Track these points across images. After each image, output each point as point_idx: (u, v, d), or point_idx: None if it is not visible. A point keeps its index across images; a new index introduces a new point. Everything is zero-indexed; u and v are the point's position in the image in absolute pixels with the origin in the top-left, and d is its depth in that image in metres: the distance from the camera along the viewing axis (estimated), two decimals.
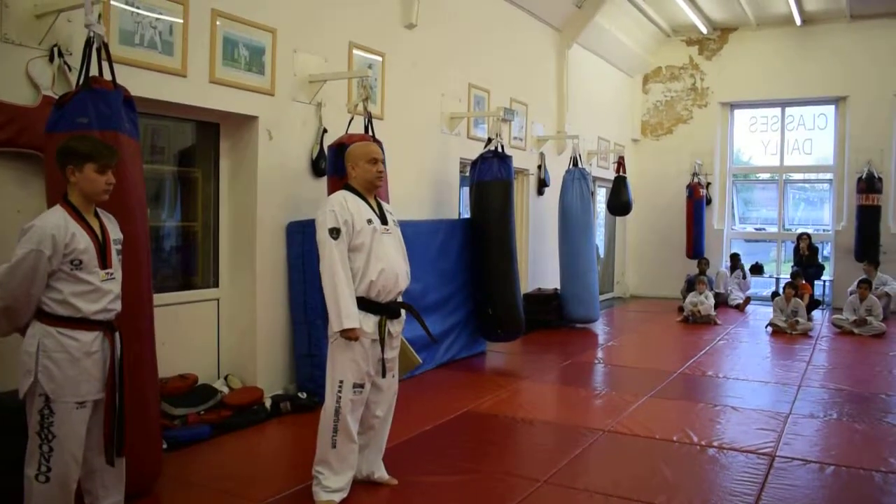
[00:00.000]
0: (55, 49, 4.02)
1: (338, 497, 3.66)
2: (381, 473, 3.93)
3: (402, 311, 3.84)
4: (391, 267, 3.68)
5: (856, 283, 10.09)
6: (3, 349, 3.88)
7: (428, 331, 4.11)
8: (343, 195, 3.72)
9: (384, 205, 3.89)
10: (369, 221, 3.66)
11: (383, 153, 3.98)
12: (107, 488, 3.20)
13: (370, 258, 3.63)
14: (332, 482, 3.65)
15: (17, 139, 3.85)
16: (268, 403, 5.25)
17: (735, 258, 12.54)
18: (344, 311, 3.51)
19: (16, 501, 3.38)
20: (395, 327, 3.80)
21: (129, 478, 3.30)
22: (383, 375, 3.73)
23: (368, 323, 3.63)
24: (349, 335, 3.54)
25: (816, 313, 10.75)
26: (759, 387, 6.48)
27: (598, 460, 4.51)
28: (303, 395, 5.44)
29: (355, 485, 3.80)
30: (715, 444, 4.71)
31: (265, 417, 5.14)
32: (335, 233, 3.56)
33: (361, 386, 3.67)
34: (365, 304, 3.63)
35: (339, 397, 3.63)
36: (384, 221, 3.76)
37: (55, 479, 2.94)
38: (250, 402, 5.13)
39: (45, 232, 2.88)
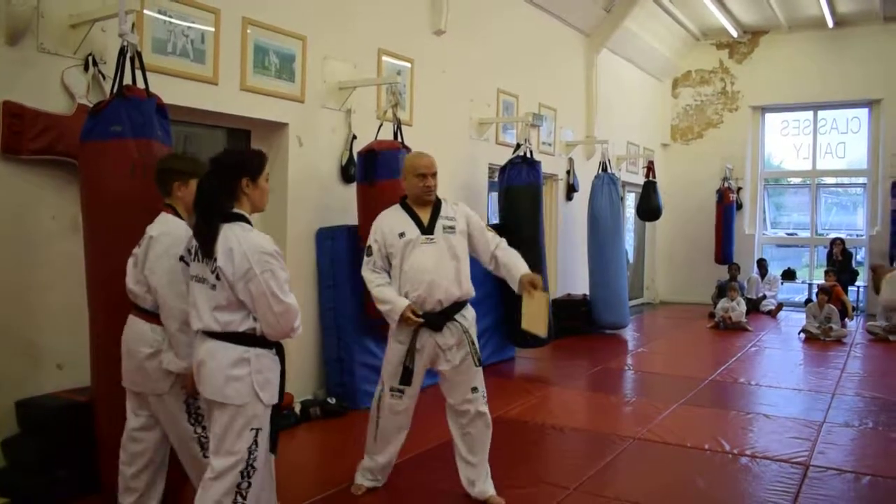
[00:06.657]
0: (90, 58, 4.09)
1: (368, 483, 3.87)
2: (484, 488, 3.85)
3: (455, 324, 3.67)
4: (422, 276, 3.60)
5: None
6: (34, 352, 3.95)
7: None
8: (385, 213, 3.81)
9: (449, 211, 3.75)
10: (401, 234, 3.64)
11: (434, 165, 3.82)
12: (154, 484, 3.38)
13: (402, 269, 3.63)
14: (368, 464, 3.89)
15: (54, 147, 3.91)
16: (297, 408, 5.27)
17: (762, 263, 12.44)
18: (385, 307, 3.62)
19: (46, 501, 3.45)
20: (447, 340, 3.65)
21: None
22: (408, 383, 3.67)
23: (404, 332, 3.66)
24: (405, 319, 3.55)
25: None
26: (793, 394, 6.38)
27: (628, 468, 4.46)
28: (332, 401, 5.45)
29: (402, 488, 3.80)
30: (748, 452, 4.65)
31: (295, 422, 5.16)
32: (368, 250, 3.73)
33: (401, 391, 3.70)
34: None
35: (381, 394, 3.78)
36: (429, 231, 3.67)
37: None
38: (280, 406, 5.14)
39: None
